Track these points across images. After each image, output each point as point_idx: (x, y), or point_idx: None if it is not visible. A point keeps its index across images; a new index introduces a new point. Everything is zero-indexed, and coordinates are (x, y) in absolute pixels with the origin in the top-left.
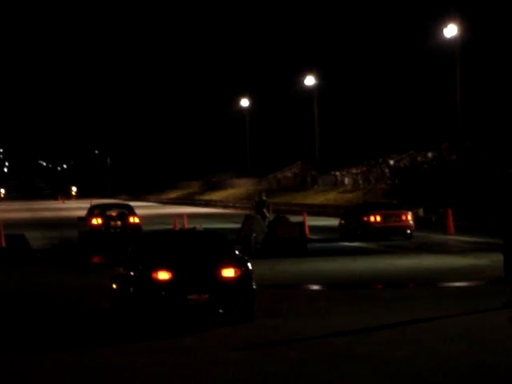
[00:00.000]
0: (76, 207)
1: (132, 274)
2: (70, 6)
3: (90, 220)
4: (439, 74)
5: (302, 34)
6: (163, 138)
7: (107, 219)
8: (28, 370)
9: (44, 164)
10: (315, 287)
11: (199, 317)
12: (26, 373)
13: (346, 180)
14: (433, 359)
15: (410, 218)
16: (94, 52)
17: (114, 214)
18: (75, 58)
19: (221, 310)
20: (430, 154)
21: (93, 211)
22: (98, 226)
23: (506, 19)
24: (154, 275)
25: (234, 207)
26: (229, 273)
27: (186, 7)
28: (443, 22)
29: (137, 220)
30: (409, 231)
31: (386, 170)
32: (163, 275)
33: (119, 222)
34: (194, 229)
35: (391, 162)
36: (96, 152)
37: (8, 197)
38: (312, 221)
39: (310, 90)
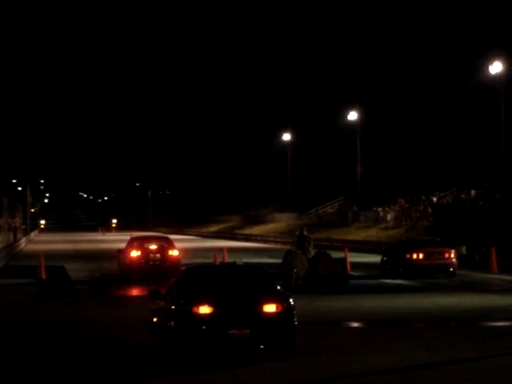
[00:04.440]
0: (116, 239)
1: (173, 307)
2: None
3: (130, 252)
4: (484, 111)
5: (347, 69)
6: (204, 172)
7: (146, 252)
8: None
9: (85, 196)
10: (356, 324)
11: (240, 352)
12: None
13: (389, 216)
14: None
15: (453, 255)
16: (139, 88)
17: (153, 246)
18: (120, 93)
19: (262, 346)
20: (473, 192)
21: (132, 243)
22: (137, 258)
23: None
24: (195, 309)
25: (274, 242)
26: (270, 308)
27: (228, 46)
28: (488, 59)
29: (176, 253)
30: (452, 269)
31: (429, 208)
32: (204, 309)
33: (158, 255)
34: (234, 263)
35: (434, 199)
36: (137, 184)
37: (48, 228)
38: (353, 257)
39: (352, 125)
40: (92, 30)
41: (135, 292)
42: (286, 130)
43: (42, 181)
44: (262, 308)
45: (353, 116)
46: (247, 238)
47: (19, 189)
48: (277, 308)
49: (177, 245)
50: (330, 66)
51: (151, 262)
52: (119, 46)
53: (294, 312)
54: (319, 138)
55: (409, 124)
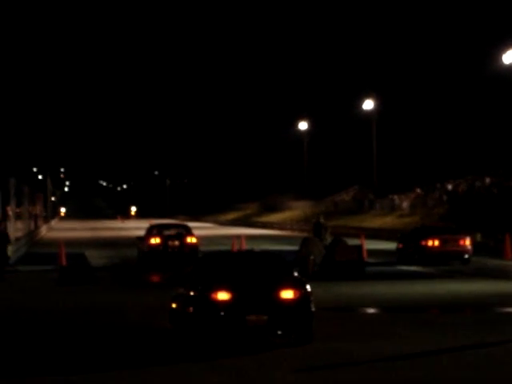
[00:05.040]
0: (135, 227)
1: (192, 293)
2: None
3: (149, 239)
4: (498, 99)
5: (363, 58)
6: (221, 160)
7: (165, 239)
8: None
9: (104, 184)
10: (372, 310)
11: (257, 337)
12: None
13: (404, 204)
14: None
15: (468, 242)
16: (158, 78)
17: (171, 233)
18: (139, 83)
19: (279, 332)
20: (487, 180)
21: (151, 231)
22: (156, 245)
23: None
24: (213, 295)
25: (291, 229)
26: (288, 294)
27: (244, 35)
28: (502, 48)
29: (194, 240)
30: (466, 256)
31: (444, 196)
32: (222, 295)
33: (177, 242)
34: (251, 250)
35: (449, 187)
36: (155, 173)
37: (68, 216)
38: (369, 244)
39: (368, 113)
40: (111, 21)
41: (154, 278)
42: (302, 119)
43: (62, 169)
44: (279, 294)
45: (368, 105)
46: (264, 226)
47: (40, 177)
48: (294, 294)
49: (195, 232)
50: (345, 54)
51: (170, 249)
52: (133, 34)
53: (311, 298)
54: (335, 126)
55: (424, 113)
